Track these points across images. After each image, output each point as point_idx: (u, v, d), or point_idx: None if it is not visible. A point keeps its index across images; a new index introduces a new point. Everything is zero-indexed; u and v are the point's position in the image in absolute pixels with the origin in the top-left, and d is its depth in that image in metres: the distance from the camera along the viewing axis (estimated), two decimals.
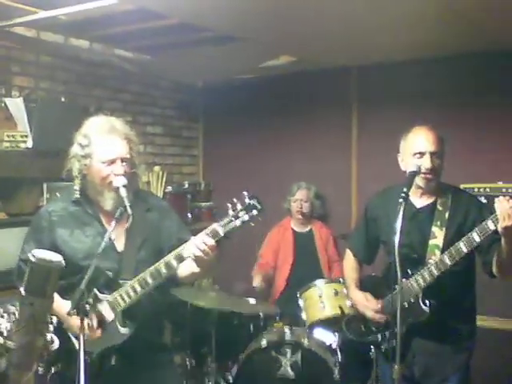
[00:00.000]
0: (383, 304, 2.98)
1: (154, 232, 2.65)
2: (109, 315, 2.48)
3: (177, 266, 2.47)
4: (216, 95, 5.78)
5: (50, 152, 3.99)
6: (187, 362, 4.24)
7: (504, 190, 3.61)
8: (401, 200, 2.58)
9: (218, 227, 2.39)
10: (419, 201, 2.95)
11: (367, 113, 5.12)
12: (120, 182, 2.52)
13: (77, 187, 2.59)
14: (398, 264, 2.48)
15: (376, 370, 3.93)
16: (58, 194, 4.05)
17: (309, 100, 5.33)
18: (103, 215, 2.60)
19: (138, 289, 2.46)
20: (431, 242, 2.85)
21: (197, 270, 2.50)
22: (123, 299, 2.47)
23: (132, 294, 2.47)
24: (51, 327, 1.64)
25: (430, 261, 2.79)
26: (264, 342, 3.76)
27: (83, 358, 2.10)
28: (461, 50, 4.38)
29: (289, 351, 3.71)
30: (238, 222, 2.39)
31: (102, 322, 2.47)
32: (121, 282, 2.50)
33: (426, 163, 2.80)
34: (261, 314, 4.13)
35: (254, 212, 2.40)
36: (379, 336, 3.02)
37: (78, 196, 2.59)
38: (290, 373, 3.67)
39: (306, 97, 5.33)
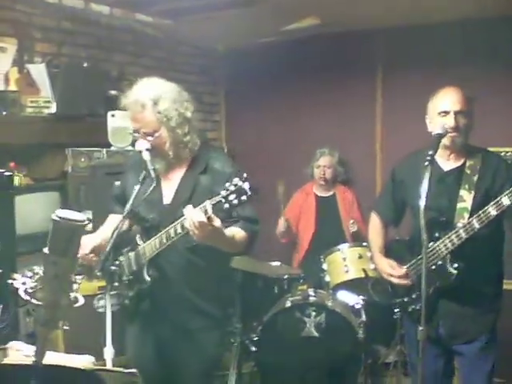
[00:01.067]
0: (409, 269, 2.96)
1: (202, 193, 2.58)
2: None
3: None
4: (238, 60, 5.72)
5: (74, 117, 4.02)
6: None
7: None
8: (426, 163, 2.56)
9: (208, 206, 2.29)
10: (447, 163, 2.90)
11: (392, 76, 5.06)
12: (142, 145, 2.55)
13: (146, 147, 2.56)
14: (423, 228, 2.48)
15: (400, 331, 3.98)
16: (82, 159, 4.11)
17: (333, 64, 5.26)
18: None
19: (164, 241, 2.49)
20: (459, 205, 2.82)
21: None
22: (152, 249, 2.53)
23: (158, 245, 2.51)
24: (75, 286, 1.66)
25: (459, 224, 2.75)
26: (288, 303, 3.80)
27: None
28: (485, 14, 4.28)
29: (313, 312, 3.74)
30: (226, 205, 2.28)
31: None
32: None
33: (449, 121, 2.75)
34: (285, 276, 4.14)
35: (243, 198, 2.25)
36: (406, 298, 3.00)
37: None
38: (315, 333, 3.71)
39: (329, 60, 5.26)
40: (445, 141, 2.78)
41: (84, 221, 1.59)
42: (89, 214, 3.82)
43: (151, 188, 2.45)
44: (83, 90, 4.11)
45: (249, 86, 5.63)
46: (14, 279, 1.65)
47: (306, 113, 5.44)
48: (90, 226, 3.80)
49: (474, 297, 2.83)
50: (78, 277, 1.66)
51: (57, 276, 1.59)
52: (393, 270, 2.98)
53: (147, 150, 2.54)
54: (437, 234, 2.80)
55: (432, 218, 2.76)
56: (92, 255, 2.54)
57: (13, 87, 3.80)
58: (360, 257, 4.08)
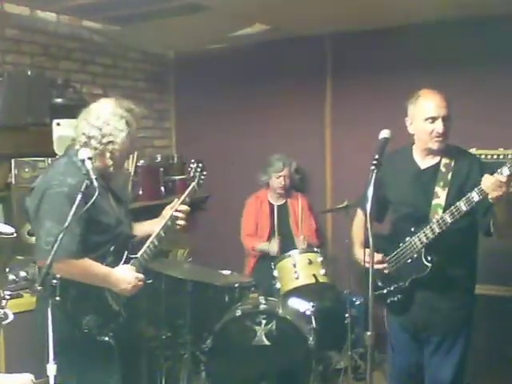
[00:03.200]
0: (385, 258, 3.11)
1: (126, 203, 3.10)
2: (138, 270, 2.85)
3: None
4: (188, 66, 5.70)
5: (18, 127, 3.93)
6: (162, 334, 4.23)
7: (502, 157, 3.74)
8: (372, 167, 2.60)
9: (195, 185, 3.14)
10: (423, 161, 3.06)
11: (341, 81, 5.06)
12: (85, 154, 2.57)
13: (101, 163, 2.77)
14: (368, 230, 2.55)
15: (351, 336, 4.01)
16: (26, 169, 4.01)
17: (283, 70, 5.24)
18: None
19: (156, 243, 2.92)
20: (434, 201, 2.97)
21: None
22: (147, 254, 2.89)
23: (153, 248, 2.92)
24: (3, 302, 1.60)
25: (433, 219, 2.91)
26: (239, 312, 3.79)
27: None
28: (435, 17, 4.33)
29: (263, 320, 3.74)
30: (201, 181, 3.19)
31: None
32: (132, 240, 2.94)
33: (438, 128, 2.91)
34: (236, 285, 4.12)
35: (205, 172, 3.20)
36: (384, 290, 3.14)
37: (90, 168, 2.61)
38: (266, 341, 3.71)
39: (279, 66, 5.24)
40: (431, 145, 2.96)
41: (12, 233, 1.54)
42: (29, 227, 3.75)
43: (95, 196, 2.43)
44: (28, 98, 4.03)
45: (199, 92, 5.59)
46: None
47: (256, 118, 5.43)
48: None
49: (447, 291, 2.99)
50: (6, 292, 1.60)
51: None
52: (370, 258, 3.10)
53: (89, 158, 2.56)
54: (412, 229, 2.98)
55: (408, 213, 3.05)
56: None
57: None
58: (310, 262, 4.09)
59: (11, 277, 3.54)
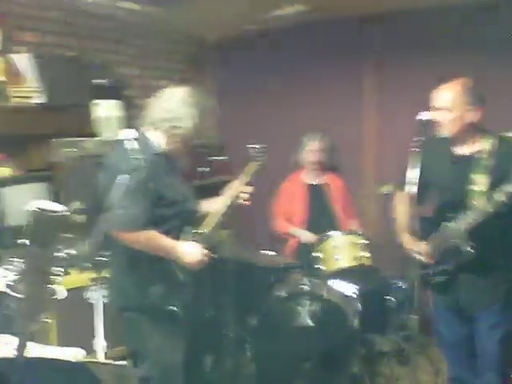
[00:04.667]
0: (428, 246, 3.14)
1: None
2: (204, 245, 2.92)
3: None
4: (227, 48, 5.67)
5: (60, 107, 3.95)
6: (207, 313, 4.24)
7: None
8: (413, 149, 2.71)
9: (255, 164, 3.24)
10: (463, 148, 3.06)
11: (384, 63, 4.98)
12: (130, 134, 2.85)
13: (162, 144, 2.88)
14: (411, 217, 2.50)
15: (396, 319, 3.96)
16: (70, 149, 4.03)
17: (321, 51, 5.19)
18: None
19: (221, 218, 3.05)
20: (474, 187, 2.97)
21: None
22: (213, 228, 3.01)
23: (219, 222, 3.05)
24: (58, 278, 1.60)
25: (473, 206, 2.92)
26: (282, 293, 3.75)
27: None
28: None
29: (307, 301, 3.70)
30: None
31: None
32: (198, 216, 3.04)
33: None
34: (281, 265, 4.09)
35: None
36: (430, 271, 3.20)
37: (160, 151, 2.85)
38: (309, 322, 3.66)
39: (317, 48, 5.20)
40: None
41: (63, 211, 1.53)
42: (77, 205, 3.77)
43: (142, 174, 2.64)
44: (67, 79, 4.05)
45: (238, 74, 5.56)
46: None
47: (295, 100, 5.39)
48: (82, 217, 3.77)
49: (489, 270, 3.04)
50: (58, 269, 1.60)
51: (37, 268, 1.56)
52: (414, 245, 3.17)
53: (135, 138, 2.75)
54: (452, 215, 3.01)
55: (447, 199, 3.10)
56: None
57: None
58: (353, 244, 4.03)
59: (61, 254, 3.58)
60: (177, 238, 2.85)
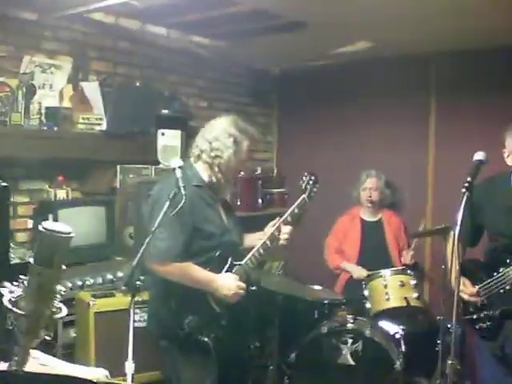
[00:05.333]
0: (480, 289, 3.12)
1: (233, 216, 3.20)
2: (242, 277, 2.94)
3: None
4: (291, 82, 5.76)
5: (124, 135, 4.11)
6: (251, 344, 4.28)
7: None
8: (463, 190, 2.61)
9: (306, 197, 3.15)
10: None
11: (446, 102, 4.94)
12: (176, 163, 2.70)
13: (205, 175, 2.96)
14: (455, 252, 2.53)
15: (441, 364, 3.85)
16: (131, 175, 4.20)
17: (386, 87, 5.18)
18: None
19: (262, 252, 2.99)
20: None
21: None
22: (252, 262, 2.99)
23: (258, 256, 2.99)
24: (59, 297, 1.68)
25: None
26: (325, 329, 3.75)
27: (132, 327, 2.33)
28: None
29: (350, 339, 3.68)
30: (312, 194, 3.17)
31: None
32: (239, 249, 3.04)
33: None
34: (325, 301, 4.09)
35: (317, 185, 3.20)
36: (475, 315, 3.16)
37: (201, 182, 2.94)
38: (351, 361, 3.64)
39: (382, 84, 5.19)
40: None
41: (70, 233, 1.61)
42: (131, 229, 3.92)
43: (181, 204, 2.56)
44: (135, 108, 4.20)
45: (301, 108, 5.64)
46: (3, 287, 1.68)
47: (357, 137, 5.40)
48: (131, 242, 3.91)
49: None
50: (62, 288, 1.68)
51: (40, 286, 1.62)
52: (465, 288, 3.14)
53: (180, 167, 2.68)
54: (508, 260, 2.97)
55: (504, 244, 3.02)
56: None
57: (66, 104, 3.93)
58: (402, 285, 3.99)
59: (109, 276, 3.74)
60: (216, 270, 2.88)
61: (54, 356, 3.06)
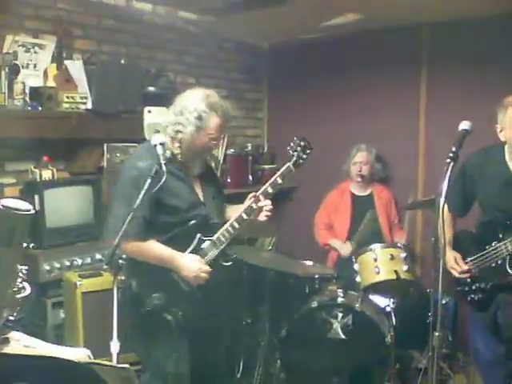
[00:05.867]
0: (471, 263, 3.18)
1: (215, 187, 3.07)
2: (212, 254, 2.84)
3: None
4: (281, 57, 5.71)
5: (110, 113, 4.07)
6: (243, 320, 4.30)
7: None
8: (448, 160, 2.56)
9: (290, 165, 2.93)
10: None
11: (437, 72, 4.87)
12: (157, 139, 2.67)
13: (173, 150, 2.82)
14: (440, 226, 2.50)
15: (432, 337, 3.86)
16: (118, 154, 4.17)
17: (376, 60, 5.12)
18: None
19: (236, 225, 2.85)
20: None
21: None
22: (224, 236, 2.85)
23: (232, 230, 2.85)
24: (21, 275, 1.65)
25: None
26: (315, 303, 3.75)
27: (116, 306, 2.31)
28: None
29: (340, 314, 3.68)
30: (300, 161, 2.95)
31: (206, 260, 2.83)
32: (211, 223, 2.89)
33: None
34: (316, 276, 4.08)
35: (308, 151, 2.98)
36: (466, 287, 3.23)
37: (169, 156, 2.77)
38: (341, 335, 3.64)
39: (371, 57, 5.14)
40: None
41: (29, 210, 1.57)
42: None
43: (163, 180, 2.58)
44: (120, 86, 4.16)
45: (291, 83, 5.59)
46: None
47: (348, 110, 5.35)
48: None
49: None
50: (23, 267, 1.65)
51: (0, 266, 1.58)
52: (456, 265, 3.20)
53: (161, 144, 2.68)
54: (501, 235, 3.00)
55: (498, 217, 3.04)
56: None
57: (50, 83, 3.88)
58: (392, 258, 3.97)
59: (98, 256, 3.73)
60: (183, 246, 2.80)
61: (45, 337, 3.09)
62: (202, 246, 2.84)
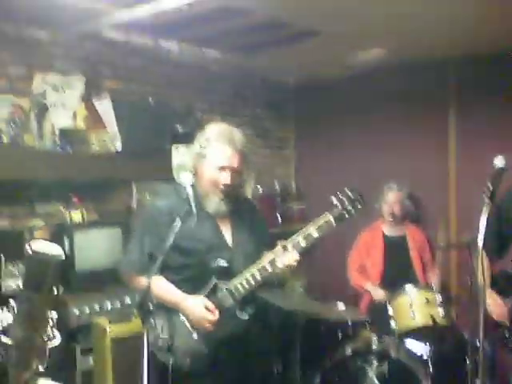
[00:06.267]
0: (509, 306, 3.05)
1: (252, 231, 2.81)
2: (228, 303, 2.62)
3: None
4: (308, 94, 5.67)
5: (139, 153, 4.04)
6: (274, 368, 4.18)
7: None
8: (485, 199, 2.54)
9: (331, 218, 2.56)
10: None
11: (466, 109, 4.81)
12: (186, 180, 2.58)
13: (189, 181, 2.59)
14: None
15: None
16: (147, 193, 4.13)
17: (403, 97, 5.06)
18: None
19: (258, 277, 2.59)
20: None
21: None
22: (244, 287, 2.60)
23: (252, 281, 2.59)
24: (51, 323, 1.56)
25: None
26: (349, 350, 3.64)
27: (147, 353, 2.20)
28: None
29: (375, 361, 3.55)
30: (346, 215, 2.57)
31: (220, 309, 2.60)
32: (235, 270, 2.65)
33: None
34: (349, 320, 3.96)
35: (359, 206, 2.58)
36: (507, 334, 3.10)
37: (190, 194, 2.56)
38: (376, 383, 3.51)
39: (400, 94, 5.07)
40: None
41: (60, 255, 1.49)
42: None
43: (194, 223, 2.51)
44: (149, 126, 4.14)
45: (319, 121, 5.54)
46: None
47: (376, 148, 5.27)
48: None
49: None
50: (53, 313, 1.56)
51: (29, 312, 1.51)
52: (495, 308, 3.09)
53: (191, 185, 2.57)
54: None
55: None
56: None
57: (80, 123, 3.87)
58: (428, 302, 3.85)
59: (127, 301, 3.65)
60: (198, 290, 2.63)
61: None
62: (218, 294, 2.63)
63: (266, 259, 2.61)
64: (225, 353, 2.61)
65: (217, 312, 2.58)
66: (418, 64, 4.84)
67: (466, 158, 4.80)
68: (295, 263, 2.56)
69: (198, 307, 2.57)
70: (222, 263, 2.65)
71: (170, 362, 2.50)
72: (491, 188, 2.50)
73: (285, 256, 2.56)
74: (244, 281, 2.60)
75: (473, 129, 4.75)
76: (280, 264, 2.56)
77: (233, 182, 2.66)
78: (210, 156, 2.65)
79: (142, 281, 2.57)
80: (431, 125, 5.02)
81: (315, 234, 2.56)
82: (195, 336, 2.61)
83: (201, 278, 2.65)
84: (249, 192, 4.89)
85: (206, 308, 2.57)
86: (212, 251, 2.66)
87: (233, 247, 2.74)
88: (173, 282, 2.65)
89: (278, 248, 2.60)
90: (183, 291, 2.64)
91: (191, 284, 2.65)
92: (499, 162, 2.60)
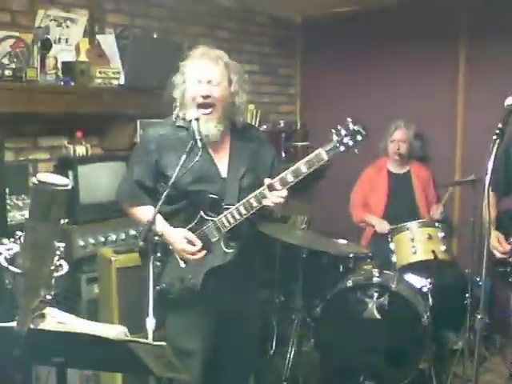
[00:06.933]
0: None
1: (253, 162, 2.72)
2: (213, 236, 2.60)
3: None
4: (315, 31, 5.57)
5: (143, 89, 4.01)
6: (275, 298, 4.28)
7: None
8: (494, 137, 2.43)
9: (323, 152, 2.42)
10: None
11: (477, 45, 4.72)
12: (193, 115, 2.54)
13: (177, 113, 2.68)
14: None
15: (469, 319, 3.78)
16: None
17: (412, 33, 4.95)
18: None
19: (243, 211, 2.53)
20: None
21: None
22: (228, 221, 2.56)
23: (237, 216, 2.54)
24: (58, 253, 1.59)
25: None
26: (350, 283, 3.70)
27: (152, 286, 2.22)
28: None
29: (375, 293, 3.62)
30: (341, 148, 2.43)
31: (206, 243, 2.60)
32: (224, 206, 2.59)
33: None
34: (351, 254, 4.02)
35: (359, 137, 2.44)
36: (508, 268, 3.14)
37: (181, 122, 2.65)
38: (376, 315, 3.58)
39: (407, 30, 4.97)
40: None
41: (66, 185, 1.50)
42: None
43: (197, 158, 2.43)
44: (153, 61, 4.09)
45: (325, 57, 5.47)
46: (1, 244, 1.60)
47: (383, 85, 5.21)
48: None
49: None
50: (60, 244, 1.60)
51: (36, 243, 1.52)
52: (499, 245, 3.10)
53: (196, 119, 2.53)
54: None
55: None
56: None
57: (82, 58, 3.84)
58: (430, 237, 3.89)
59: (132, 232, 3.71)
60: (187, 222, 2.62)
61: (79, 313, 3.08)
62: (205, 227, 2.60)
63: (252, 195, 2.52)
64: (213, 284, 2.61)
65: (199, 244, 2.57)
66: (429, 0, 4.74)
67: (476, 98, 4.73)
68: (282, 199, 2.47)
69: (178, 238, 2.58)
70: (212, 195, 2.60)
71: (160, 287, 2.55)
72: (500, 126, 2.48)
73: (272, 193, 2.47)
74: (229, 215, 2.55)
75: (484, 68, 4.68)
76: (267, 201, 2.48)
77: (212, 94, 2.54)
78: (188, 74, 2.62)
79: (136, 210, 2.72)
80: (442, 62, 4.93)
81: (304, 169, 2.43)
82: (182, 264, 2.65)
83: (190, 210, 2.63)
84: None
85: (187, 239, 2.57)
86: (201, 182, 2.60)
87: (228, 178, 2.65)
88: (165, 213, 2.60)
89: (265, 185, 2.49)
90: (175, 223, 2.64)
91: (180, 216, 2.65)
92: (510, 100, 2.57)
